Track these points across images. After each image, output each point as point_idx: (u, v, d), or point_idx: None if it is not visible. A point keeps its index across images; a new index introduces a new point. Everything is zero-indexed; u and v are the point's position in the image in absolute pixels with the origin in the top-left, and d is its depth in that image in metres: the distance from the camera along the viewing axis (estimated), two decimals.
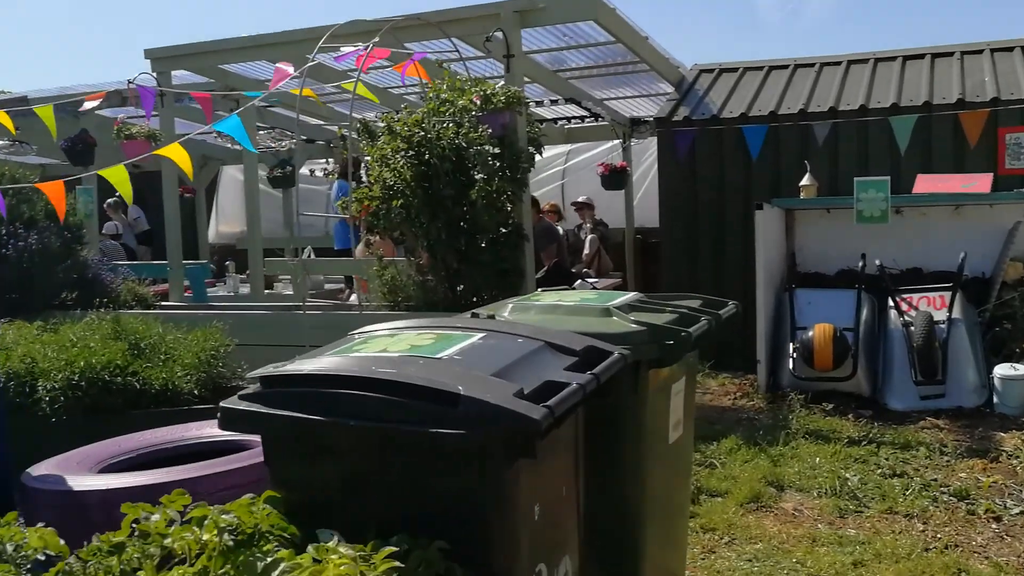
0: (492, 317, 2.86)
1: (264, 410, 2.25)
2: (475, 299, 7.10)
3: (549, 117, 11.44)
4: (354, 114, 7.72)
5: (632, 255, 12.03)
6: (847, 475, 5.03)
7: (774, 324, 7.42)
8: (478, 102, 6.81)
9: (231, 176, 14.86)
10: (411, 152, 6.86)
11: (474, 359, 2.34)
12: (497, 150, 6.76)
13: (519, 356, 2.40)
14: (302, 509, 2.28)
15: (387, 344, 2.47)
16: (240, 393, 2.34)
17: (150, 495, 3.38)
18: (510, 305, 3.08)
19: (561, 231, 11.56)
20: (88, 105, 7.83)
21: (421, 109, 7.09)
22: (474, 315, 2.89)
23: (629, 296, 3.10)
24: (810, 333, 6.74)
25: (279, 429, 2.25)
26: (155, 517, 2.12)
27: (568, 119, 11.40)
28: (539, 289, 3.52)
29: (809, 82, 8.69)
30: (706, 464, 5.32)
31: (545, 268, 8.31)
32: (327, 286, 11.29)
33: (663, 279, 8.91)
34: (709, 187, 8.48)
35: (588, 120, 11.38)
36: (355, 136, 7.57)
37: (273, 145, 12.43)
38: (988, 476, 5.05)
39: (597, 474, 2.67)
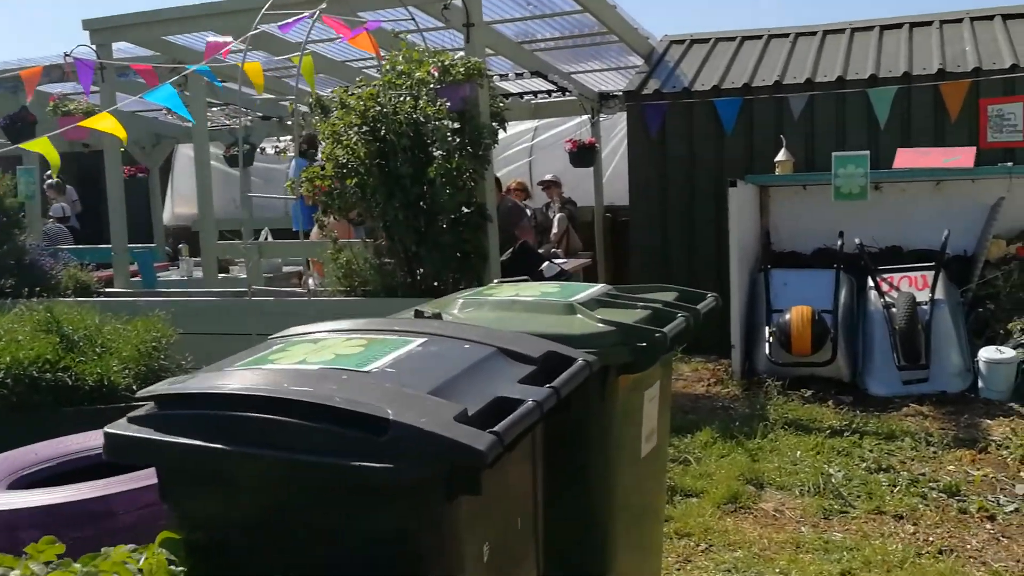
0: (438, 316, 2.48)
1: (157, 437, 1.86)
2: (436, 283, 6.74)
3: (515, 91, 11.03)
4: (314, 89, 7.29)
5: (602, 234, 11.69)
6: (830, 470, 4.72)
7: (749, 306, 7.10)
8: (436, 74, 6.40)
9: (186, 155, 14.32)
10: (365, 128, 6.46)
11: (410, 372, 1.96)
12: (457, 125, 6.36)
13: (466, 366, 2.03)
14: (207, 553, 1.91)
15: (308, 353, 2.10)
16: (130, 415, 1.96)
17: (59, 516, 2.97)
18: (460, 300, 2.71)
19: (529, 210, 11.24)
20: (26, 83, 7.40)
21: (376, 82, 6.67)
22: (418, 313, 2.52)
23: (595, 289, 2.74)
24: (787, 316, 6.43)
25: (175, 460, 1.88)
26: (15, 574, 1.74)
27: (534, 93, 10.98)
28: (495, 280, 3.14)
29: (784, 53, 8.34)
30: (680, 460, 5.00)
31: (511, 249, 7.93)
32: (286, 268, 10.88)
33: (633, 260, 8.58)
34: (680, 163, 8.14)
35: (555, 95, 10.97)
36: (307, 111, 7.13)
37: (227, 122, 11.94)
38: (978, 469, 4.76)
39: (559, 497, 2.32)
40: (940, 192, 7.35)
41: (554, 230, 11.06)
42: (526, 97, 11.05)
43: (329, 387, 1.85)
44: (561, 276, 7.93)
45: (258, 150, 13.41)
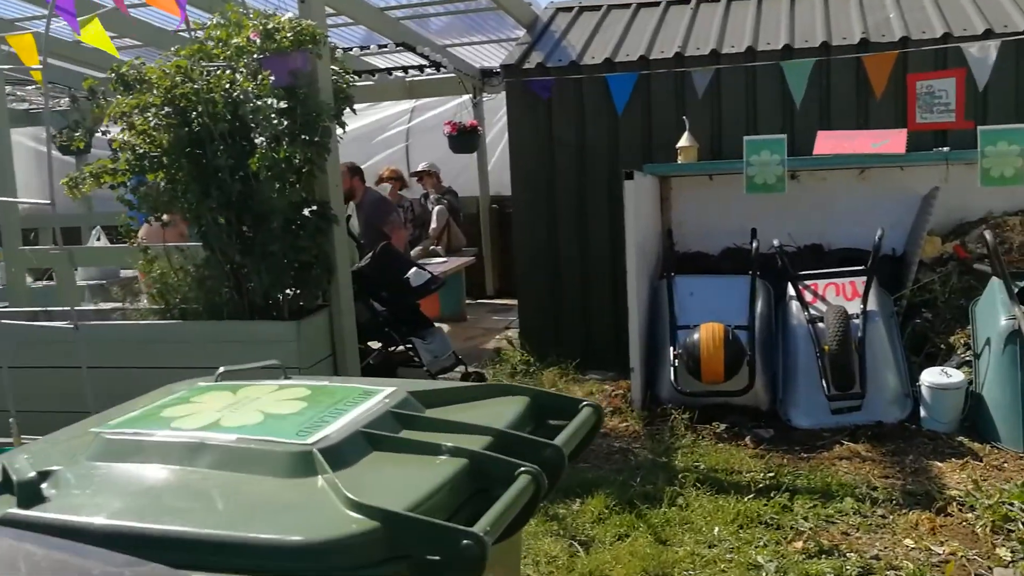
0: (37, 492, 1.23)
1: None
2: (269, 301, 5.45)
3: (383, 67, 9.69)
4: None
5: (488, 228, 10.49)
6: (759, 558, 3.60)
7: (651, 319, 6.00)
8: (257, 40, 5.08)
9: (19, 142, 12.55)
10: (167, 108, 5.11)
11: None
12: (284, 104, 5.05)
13: None
14: None
15: None
16: None
17: None
18: (94, 442, 1.45)
19: (406, 202, 10.01)
20: None
21: (184, 50, 5.31)
22: None
23: (372, 406, 1.51)
24: (695, 336, 5.31)
25: None
26: None
27: (405, 69, 9.64)
28: (216, 376, 1.87)
29: (685, 20, 7.23)
30: (565, 540, 3.83)
31: (370, 253, 6.66)
32: (124, 273, 9.37)
33: (517, 263, 7.40)
34: (569, 149, 6.97)
35: (429, 71, 9.66)
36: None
37: (41, 102, 10.25)
38: (943, 543, 3.72)
39: None
40: (864, 182, 6.37)
41: (432, 224, 9.82)
42: (395, 74, 9.71)
43: None
44: (432, 284, 6.69)
45: (101, 134, 11.77)
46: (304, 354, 5.31)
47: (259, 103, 4.99)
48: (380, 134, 11.59)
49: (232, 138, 5.21)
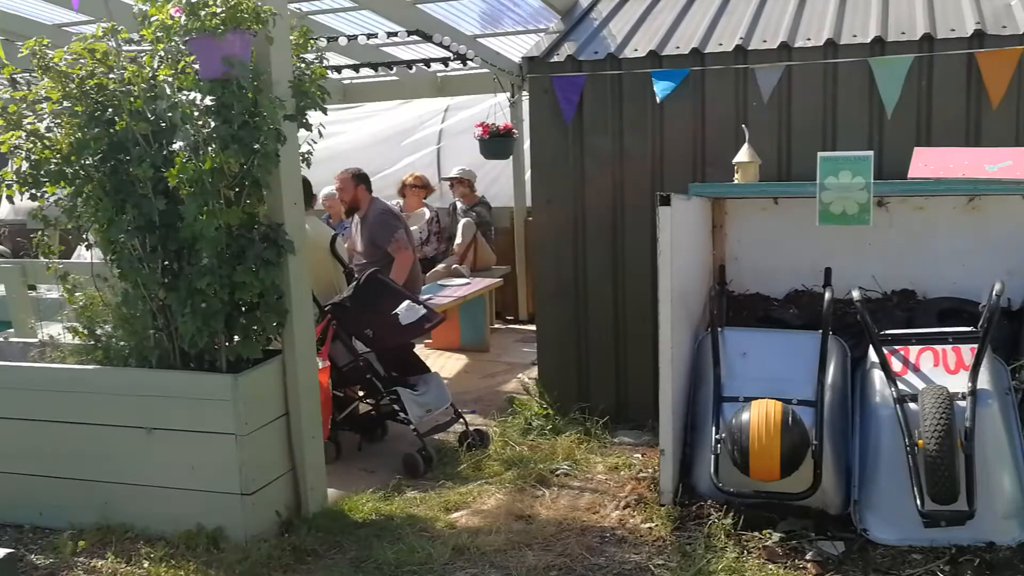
0: None
1: None
2: (200, 348, 4.32)
3: (405, 58, 8.51)
4: None
5: (524, 244, 9.25)
6: None
7: (692, 382, 4.73)
8: (182, 18, 3.94)
9: None
10: (65, 104, 4.03)
11: None
12: (210, 100, 3.91)
13: None
14: None
15: None
16: None
17: None
18: None
19: (428, 212, 8.89)
20: None
21: (98, 27, 4.21)
22: None
23: None
24: (744, 416, 4.02)
25: None
26: None
27: (427, 63, 8.43)
28: None
29: (752, 8, 5.92)
30: None
31: (354, 283, 5.52)
32: None
33: (538, 295, 6.19)
34: (603, 161, 5.73)
35: (455, 64, 8.44)
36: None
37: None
38: None
39: None
40: (974, 212, 5.00)
41: (457, 240, 8.66)
42: (418, 67, 8.52)
43: None
44: (426, 322, 5.52)
45: None
46: (244, 415, 4.19)
47: (178, 98, 3.87)
48: (410, 135, 10.47)
49: (158, 142, 4.12)
